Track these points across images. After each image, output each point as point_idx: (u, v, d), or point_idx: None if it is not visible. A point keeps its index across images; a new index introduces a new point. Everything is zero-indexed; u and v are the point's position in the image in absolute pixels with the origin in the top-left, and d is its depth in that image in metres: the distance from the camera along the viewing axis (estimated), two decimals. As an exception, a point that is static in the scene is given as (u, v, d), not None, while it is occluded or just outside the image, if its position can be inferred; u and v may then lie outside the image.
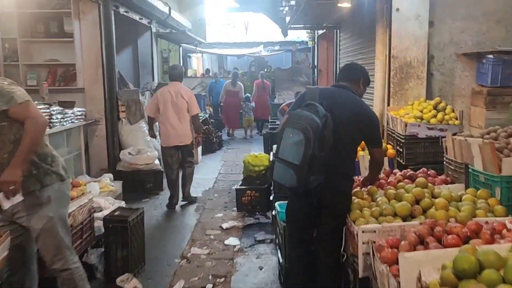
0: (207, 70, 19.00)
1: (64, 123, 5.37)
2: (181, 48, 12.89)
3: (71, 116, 5.53)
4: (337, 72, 8.92)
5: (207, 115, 11.75)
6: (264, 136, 9.22)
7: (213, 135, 10.34)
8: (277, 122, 10.53)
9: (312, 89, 3.05)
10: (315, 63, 12.07)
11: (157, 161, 6.80)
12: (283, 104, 8.47)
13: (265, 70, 16.11)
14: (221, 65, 23.28)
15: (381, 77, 5.52)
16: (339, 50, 8.51)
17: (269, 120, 11.20)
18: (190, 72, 18.61)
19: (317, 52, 11.79)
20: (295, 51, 13.81)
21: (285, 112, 7.79)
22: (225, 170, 8.42)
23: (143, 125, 7.12)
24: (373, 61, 5.75)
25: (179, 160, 6.06)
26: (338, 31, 8.73)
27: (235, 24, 16.55)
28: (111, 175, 5.81)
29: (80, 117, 5.84)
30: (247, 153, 10.03)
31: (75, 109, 5.75)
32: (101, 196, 5.00)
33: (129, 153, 6.66)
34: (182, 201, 6.14)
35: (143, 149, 6.82)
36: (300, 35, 13.45)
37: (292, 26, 9.03)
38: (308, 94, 2.96)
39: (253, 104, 12.72)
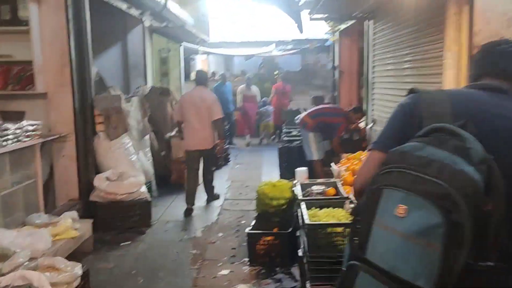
0: (213, 74, 17.46)
1: (4, 143, 3.78)
2: (182, 47, 11.33)
3: (16, 133, 3.94)
4: (367, 73, 7.30)
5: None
6: (280, 150, 7.61)
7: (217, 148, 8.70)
8: (293, 132, 8.93)
9: (428, 95, 1.36)
10: (335, 63, 10.44)
11: (143, 188, 5.21)
12: (303, 115, 6.86)
13: (276, 72, 14.52)
14: (228, 67, 21.76)
15: (453, 76, 3.90)
16: (373, 45, 6.90)
17: (283, 130, 9.59)
18: (193, 76, 17.13)
19: (338, 51, 10.16)
20: (312, 49, 12.19)
21: (307, 127, 6.08)
22: (233, 193, 6.81)
23: (127, 141, 5.53)
24: (436, 55, 4.15)
25: (199, 165, 6.08)
26: (369, 22, 7.12)
27: (242, 21, 14.95)
28: (74, 214, 4.23)
29: (33, 133, 4.24)
30: (258, 170, 8.95)
31: (25, 122, 4.17)
32: (50, 251, 3.44)
33: (107, 178, 5.08)
34: (207, 201, 6.28)
35: (125, 172, 5.24)
36: (316, 33, 11.84)
37: (313, 17, 7.45)
38: (422, 105, 1.32)
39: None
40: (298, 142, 7.56)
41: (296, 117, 11.19)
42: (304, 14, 9.13)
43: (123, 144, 5.46)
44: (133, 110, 6.02)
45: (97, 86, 5.69)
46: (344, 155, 5.18)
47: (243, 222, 5.36)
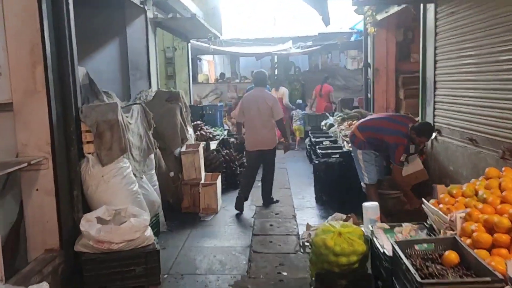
0: (222, 75, 16.05)
1: None
2: (189, 45, 9.96)
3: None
4: (423, 71, 5.84)
5: (225, 132, 8.77)
6: (315, 167, 6.18)
7: (235, 162, 7.30)
8: (326, 143, 7.50)
9: None
10: (369, 60, 9.00)
11: (149, 231, 3.77)
12: (354, 127, 5.39)
13: (294, 72, 13.11)
14: (234, 69, 20.36)
15: None
16: (434, 35, 5.47)
17: (313, 140, 8.17)
18: (201, 78, 15.74)
19: (372, 45, 8.72)
20: (340, 44, 10.74)
21: (355, 142, 4.33)
22: (261, 226, 5.37)
23: (125, 165, 4.12)
24: None
25: (259, 165, 6.13)
26: (427, 6, 5.67)
27: (254, 16, 13.55)
28: (44, 286, 2.80)
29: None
30: (286, 187, 7.14)
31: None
32: None
33: (99, 220, 3.67)
34: (263, 205, 6.09)
35: (124, 210, 3.81)
36: (343, 25, 10.43)
37: (357, 1, 6.04)
38: None
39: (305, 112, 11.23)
40: (337, 156, 6.14)
41: (322, 122, 9.89)
42: (331, 3, 7.72)
43: (120, 170, 4.04)
44: (133, 123, 4.61)
45: (85, 92, 4.29)
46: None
47: (285, 273, 3.93)
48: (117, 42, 6.42)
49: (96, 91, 4.47)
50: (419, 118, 5.93)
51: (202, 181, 5.84)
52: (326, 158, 6.10)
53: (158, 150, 5.32)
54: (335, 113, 9.69)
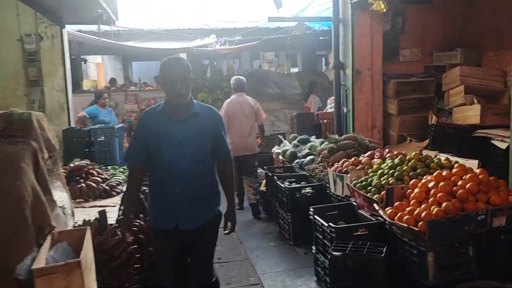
0: (112, 81, 12.43)
1: None
2: (65, 33, 6.34)
3: None
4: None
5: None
6: (332, 262, 3.13)
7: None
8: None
9: None
10: (341, 59, 6.23)
11: None
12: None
13: (217, 77, 9.98)
14: (127, 74, 16.63)
15: None
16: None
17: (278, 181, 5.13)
18: (87, 85, 12.00)
19: (351, 37, 5.94)
20: (301, 36, 7.79)
21: None
22: None
23: None
24: None
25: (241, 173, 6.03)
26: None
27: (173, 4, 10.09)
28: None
29: None
30: None
31: None
32: None
33: None
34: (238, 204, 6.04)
35: None
36: (294, 10, 7.57)
37: None
38: None
39: None
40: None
41: (276, 149, 6.88)
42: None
43: None
44: None
45: None
46: None
47: None
48: None
49: None
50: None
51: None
52: (353, 248, 3.08)
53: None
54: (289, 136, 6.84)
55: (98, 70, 14.57)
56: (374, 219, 3.41)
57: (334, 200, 4.36)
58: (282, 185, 4.78)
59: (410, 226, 2.96)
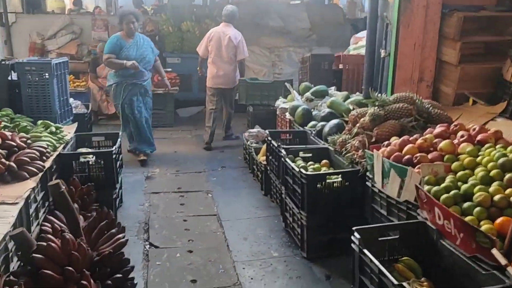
0: (77, 2, 10.39)
1: None
2: None
3: None
4: None
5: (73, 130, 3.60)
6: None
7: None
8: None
9: None
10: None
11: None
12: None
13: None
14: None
15: None
16: None
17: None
18: (52, 5, 10.08)
19: None
20: None
21: None
22: None
23: None
24: None
25: (220, 105, 6.05)
26: None
27: None
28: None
29: None
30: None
31: None
32: None
33: None
34: (224, 139, 6.23)
35: None
36: None
37: None
38: None
39: None
40: None
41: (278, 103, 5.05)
42: None
43: None
44: None
45: None
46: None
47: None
48: None
49: None
50: None
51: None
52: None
53: None
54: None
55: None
56: (491, 272, 1.78)
57: (379, 201, 2.73)
58: (296, 168, 3.11)
59: None
